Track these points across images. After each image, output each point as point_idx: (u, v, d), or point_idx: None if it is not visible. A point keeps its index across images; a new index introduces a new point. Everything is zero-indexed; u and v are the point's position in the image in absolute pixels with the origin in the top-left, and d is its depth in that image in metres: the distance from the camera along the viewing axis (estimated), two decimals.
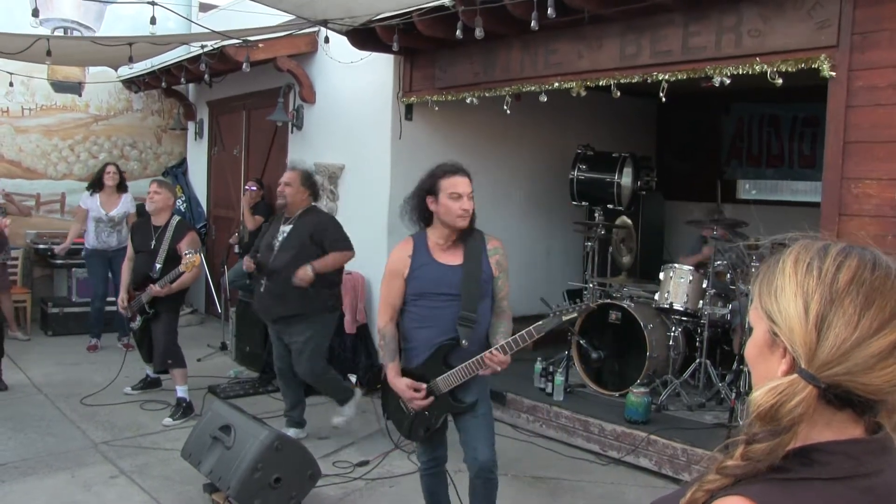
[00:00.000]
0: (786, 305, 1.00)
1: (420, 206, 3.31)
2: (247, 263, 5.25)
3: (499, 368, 3.15)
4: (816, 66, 4.00)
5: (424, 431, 3.37)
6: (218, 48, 6.89)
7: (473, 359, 3.16)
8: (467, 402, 3.28)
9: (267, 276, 4.95)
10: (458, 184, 3.22)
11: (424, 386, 3.25)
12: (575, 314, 3.11)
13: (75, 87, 8.53)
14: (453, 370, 3.20)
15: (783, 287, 1.01)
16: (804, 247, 1.04)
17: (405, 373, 3.31)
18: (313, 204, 5.13)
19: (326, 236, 4.95)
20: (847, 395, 0.97)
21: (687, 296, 5.61)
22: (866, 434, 1.00)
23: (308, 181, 5.07)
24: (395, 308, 3.32)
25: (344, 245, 5.02)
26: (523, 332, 3.10)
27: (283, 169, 7.86)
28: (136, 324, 5.73)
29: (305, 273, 4.79)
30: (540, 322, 3.08)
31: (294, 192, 4.99)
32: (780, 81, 4.20)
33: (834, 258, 1.00)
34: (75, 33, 5.76)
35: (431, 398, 3.26)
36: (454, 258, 3.27)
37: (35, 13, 4.70)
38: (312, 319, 4.92)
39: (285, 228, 5.01)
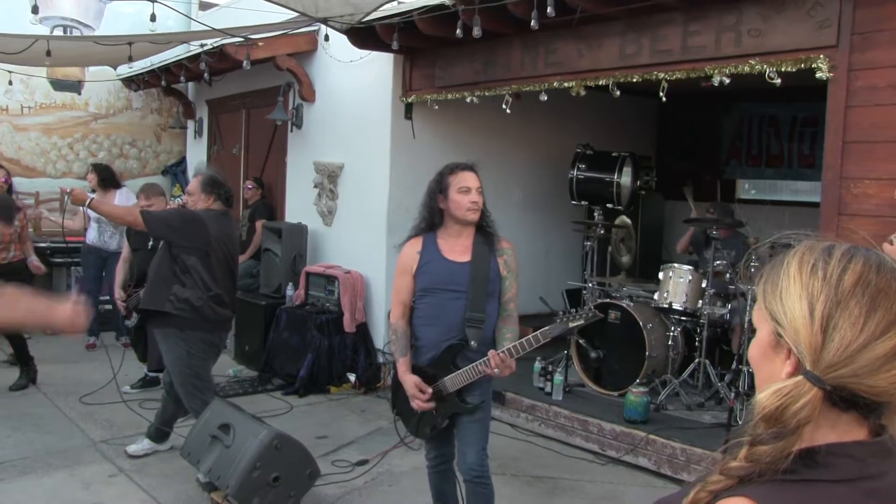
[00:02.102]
0: (791, 306, 1.00)
1: (432, 205, 3.34)
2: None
3: (501, 372, 3.17)
4: (816, 66, 4.00)
5: (430, 430, 3.40)
6: (218, 46, 6.88)
7: (480, 360, 3.17)
8: (472, 404, 3.29)
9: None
10: (466, 178, 3.27)
11: (430, 390, 3.27)
12: (582, 321, 3.12)
13: (74, 86, 8.51)
14: (461, 370, 3.23)
15: (788, 288, 1.01)
16: (809, 247, 1.04)
17: (416, 369, 3.33)
18: (223, 209, 4.63)
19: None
20: (852, 396, 0.97)
21: (686, 295, 5.60)
22: (870, 436, 1.00)
23: (208, 186, 4.58)
24: (405, 304, 3.37)
25: (145, 214, 4.43)
26: (529, 336, 3.12)
27: (282, 168, 7.92)
28: (133, 321, 5.73)
29: (78, 194, 4.55)
30: (546, 328, 3.11)
31: (195, 202, 4.58)
32: (778, 81, 4.20)
33: (839, 259, 1.00)
34: (75, 32, 5.74)
35: (432, 403, 3.28)
36: (462, 256, 3.29)
37: (35, 10, 4.68)
38: (168, 327, 4.46)
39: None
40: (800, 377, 0.96)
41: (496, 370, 3.14)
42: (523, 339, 3.13)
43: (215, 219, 4.52)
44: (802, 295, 0.99)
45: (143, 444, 4.84)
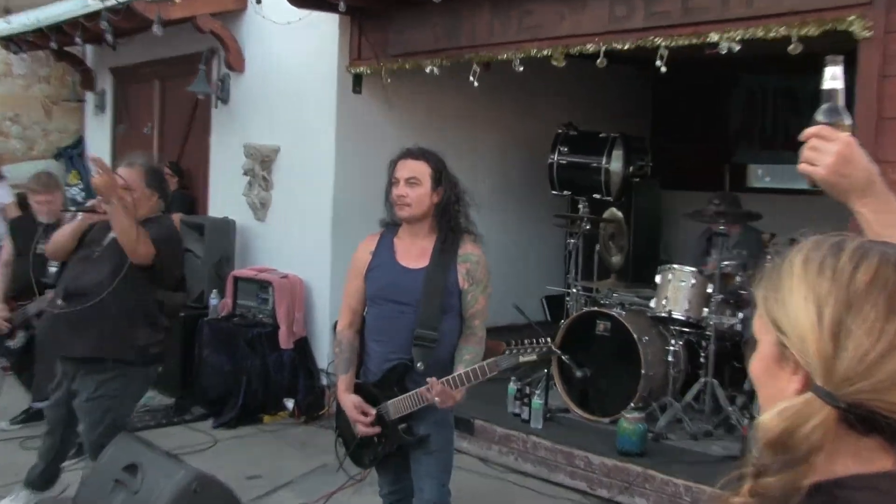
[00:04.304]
0: (795, 311, 1.01)
1: (388, 199, 3.45)
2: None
3: (442, 402, 3.21)
4: (846, 28, 4.02)
5: (370, 460, 3.49)
6: (124, 2, 6.78)
7: (423, 387, 3.24)
8: (417, 436, 3.35)
9: (65, 295, 4.23)
10: (400, 168, 3.37)
11: (374, 411, 3.35)
12: (534, 357, 3.23)
13: None
14: (404, 396, 3.30)
15: (791, 291, 1.02)
16: (815, 243, 1.05)
17: (361, 389, 3.41)
18: (161, 211, 4.47)
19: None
20: (872, 417, 0.97)
21: (689, 302, 5.63)
22: None
23: (154, 179, 4.40)
24: (354, 311, 3.50)
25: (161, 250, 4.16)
26: (475, 367, 3.22)
27: (204, 151, 7.84)
28: (18, 342, 5.61)
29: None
30: (494, 359, 3.22)
31: (139, 199, 4.26)
32: (799, 48, 4.23)
33: (850, 256, 1.01)
34: None
35: (377, 428, 3.36)
36: (418, 261, 3.36)
37: None
38: (116, 371, 4.20)
39: (113, 235, 4.19)
40: (809, 394, 0.97)
41: (436, 399, 3.20)
42: (469, 370, 3.22)
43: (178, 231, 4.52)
44: (808, 297, 1.00)
45: (21, 496, 4.66)
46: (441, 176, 3.37)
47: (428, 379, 3.20)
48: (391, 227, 3.48)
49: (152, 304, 4.32)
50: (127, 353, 4.20)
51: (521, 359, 3.23)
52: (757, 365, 1.08)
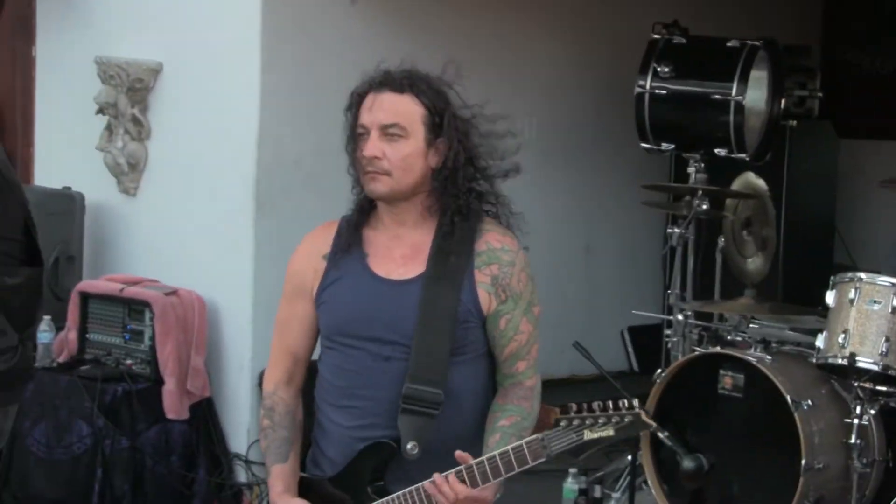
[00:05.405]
0: None
1: (353, 163, 3.46)
2: None
3: None
4: None
5: None
6: None
7: (419, 485, 3.22)
8: None
9: None
10: (368, 107, 3.37)
11: None
12: (610, 432, 3.10)
13: None
14: (386, 499, 3.30)
15: None
16: None
17: (310, 489, 3.41)
18: None
19: None
20: None
21: (888, 341, 5.58)
22: None
23: None
24: (295, 357, 3.56)
25: None
26: (509, 448, 3.15)
27: (25, 71, 7.92)
28: None
29: None
30: (538, 437, 3.13)
31: None
32: None
33: None
34: None
35: None
36: (407, 267, 3.41)
37: None
38: None
39: None
40: None
41: None
42: (499, 453, 3.15)
43: None
44: None
45: None
46: (443, 120, 3.37)
47: (436, 476, 3.15)
48: (358, 213, 3.51)
49: None
50: None
51: (588, 436, 3.09)
52: None
